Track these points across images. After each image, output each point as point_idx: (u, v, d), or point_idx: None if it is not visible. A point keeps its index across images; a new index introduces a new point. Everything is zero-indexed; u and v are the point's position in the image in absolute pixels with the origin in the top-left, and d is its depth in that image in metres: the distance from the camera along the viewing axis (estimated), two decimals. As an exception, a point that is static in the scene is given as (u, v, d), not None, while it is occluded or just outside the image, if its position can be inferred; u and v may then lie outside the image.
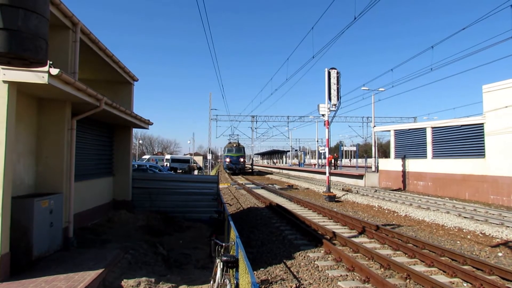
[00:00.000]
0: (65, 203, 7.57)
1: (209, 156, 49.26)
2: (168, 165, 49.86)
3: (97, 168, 10.79)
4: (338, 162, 47.95)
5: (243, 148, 56.03)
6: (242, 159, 53.50)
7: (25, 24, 2.17)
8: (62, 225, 7.40)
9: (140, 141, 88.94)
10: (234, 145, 54.86)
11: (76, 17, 8.11)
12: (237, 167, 52.80)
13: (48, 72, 5.56)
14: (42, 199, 6.63)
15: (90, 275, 5.71)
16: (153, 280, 6.09)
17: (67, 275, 5.70)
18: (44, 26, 2.32)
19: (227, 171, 54.52)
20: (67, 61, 8.16)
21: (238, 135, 63.40)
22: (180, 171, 44.57)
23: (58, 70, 5.63)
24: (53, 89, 6.19)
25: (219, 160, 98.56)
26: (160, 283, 6.10)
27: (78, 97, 6.99)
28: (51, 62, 5.50)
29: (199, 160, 68.92)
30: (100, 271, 5.94)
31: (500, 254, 9.41)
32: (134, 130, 14.23)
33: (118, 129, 12.34)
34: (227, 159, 53.35)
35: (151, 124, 13.28)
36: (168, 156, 59.09)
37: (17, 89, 5.90)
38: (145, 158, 56.32)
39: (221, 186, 23.22)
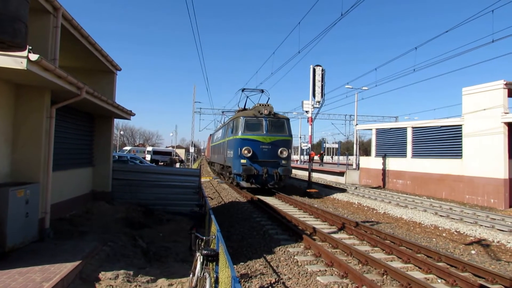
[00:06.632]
0: (42, 193, 7.38)
1: (192, 149, 48.95)
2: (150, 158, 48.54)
3: (76, 158, 10.55)
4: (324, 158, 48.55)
5: (287, 121, 21.57)
6: (285, 152, 20.35)
7: (4, 5, 2.07)
8: (38, 216, 7.22)
9: (121, 132, 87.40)
10: (265, 112, 20.51)
11: (58, 1, 7.86)
12: (270, 175, 19.88)
13: (27, 57, 5.36)
14: (17, 188, 6.44)
15: (67, 267, 5.59)
16: (131, 272, 6.02)
17: (42, 267, 5.56)
18: (24, 8, 2.23)
19: (241, 182, 20.37)
20: (47, 47, 7.91)
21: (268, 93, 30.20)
22: (162, 163, 44.04)
23: (38, 55, 5.45)
24: (32, 76, 5.99)
25: (202, 154, 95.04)
26: (139, 275, 6.03)
27: (58, 85, 6.79)
28: (30, 48, 5.31)
29: (181, 153, 68.45)
30: (77, 263, 5.83)
31: (473, 252, 9.72)
32: (116, 121, 13.97)
33: (99, 119, 12.08)
34: (245, 151, 19.76)
35: (133, 115, 13.07)
36: (149, 148, 58.33)
37: (-6, 74, 5.69)
38: (126, 150, 55.46)
39: (202, 179, 23.07)
